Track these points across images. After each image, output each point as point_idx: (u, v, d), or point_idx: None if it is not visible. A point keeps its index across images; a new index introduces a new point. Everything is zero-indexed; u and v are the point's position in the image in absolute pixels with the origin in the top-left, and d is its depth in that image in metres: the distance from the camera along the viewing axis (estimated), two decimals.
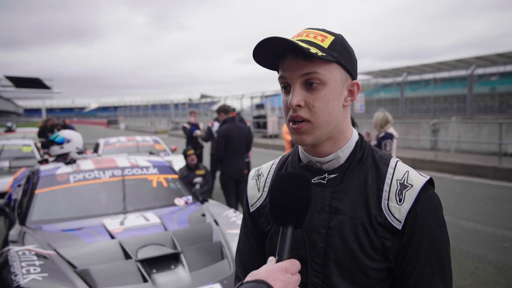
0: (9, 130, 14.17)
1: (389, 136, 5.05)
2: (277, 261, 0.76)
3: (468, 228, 5.24)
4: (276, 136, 18.97)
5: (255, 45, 0.87)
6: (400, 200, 0.88)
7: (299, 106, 0.87)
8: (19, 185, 4.37)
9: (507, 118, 12.62)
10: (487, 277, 3.79)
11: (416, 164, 10.49)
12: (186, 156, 6.18)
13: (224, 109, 5.68)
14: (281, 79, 0.91)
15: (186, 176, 5.98)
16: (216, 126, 7.12)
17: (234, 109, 6.95)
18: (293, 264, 0.77)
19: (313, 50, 0.84)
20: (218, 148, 5.33)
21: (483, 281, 3.71)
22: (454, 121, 12.21)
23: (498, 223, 5.41)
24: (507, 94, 23.75)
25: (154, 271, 2.50)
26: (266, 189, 1.05)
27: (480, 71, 27.30)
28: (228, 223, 3.19)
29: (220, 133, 5.33)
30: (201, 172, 6.21)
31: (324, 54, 0.85)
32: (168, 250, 2.69)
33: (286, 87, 0.91)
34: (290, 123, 0.90)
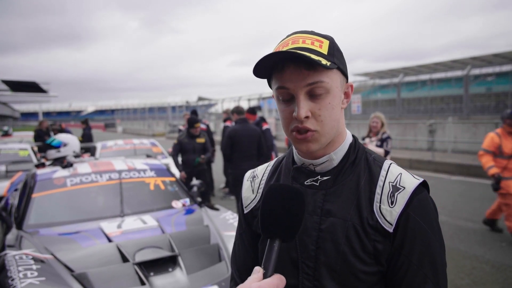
0: (6, 134, 14.09)
1: (389, 136, 5.30)
2: (264, 274, 0.74)
3: (465, 228, 5.25)
4: (274, 138, 18.93)
5: (257, 60, 0.83)
6: (392, 203, 0.86)
7: (306, 117, 0.85)
8: (16, 189, 4.36)
9: None
10: (485, 277, 3.79)
11: (413, 164, 10.51)
12: (191, 125, 6.07)
13: (237, 110, 5.85)
14: (281, 89, 0.86)
15: (187, 143, 5.99)
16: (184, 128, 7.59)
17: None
18: (282, 282, 0.74)
19: (322, 61, 0.81)
20: (225, 147, 5.48)
21: (481, 280, 3.72)
22: (451, 122, 12.24)
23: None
24: (503, 94, 23.85)
25: (151, 274, 2.50)
26: (261, 190, 1.04)
27: (476, 71, 27.41)
28: (226, 225, 3.19)
29: (227, 133, 5.49)
30: (201, 140, 6.14)
31: (329, 63, 0.83)
32: (166, 253, 2.68)
33: (287, 98, 0.87)
34: (294, 133, 0.87)
